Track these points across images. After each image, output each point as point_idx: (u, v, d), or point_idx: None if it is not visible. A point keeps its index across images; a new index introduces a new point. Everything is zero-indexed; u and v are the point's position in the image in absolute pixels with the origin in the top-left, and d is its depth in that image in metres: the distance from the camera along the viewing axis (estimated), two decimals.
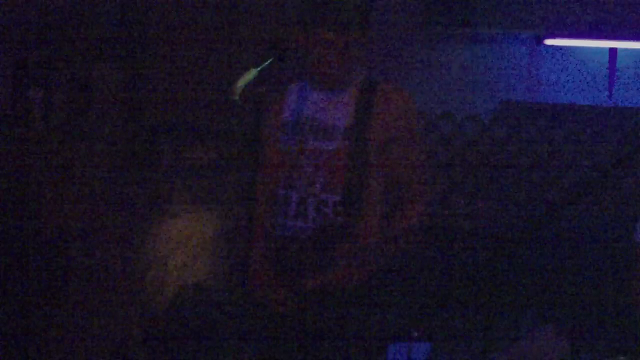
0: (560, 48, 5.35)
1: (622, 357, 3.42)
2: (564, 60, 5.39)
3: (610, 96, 5.34)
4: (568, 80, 5.40)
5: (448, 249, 5.00)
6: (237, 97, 3.09)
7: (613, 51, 5.29)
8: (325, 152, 3.04)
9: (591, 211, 5.03)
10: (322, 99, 3.07)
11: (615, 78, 5.34)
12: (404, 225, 2.99)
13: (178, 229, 5.30)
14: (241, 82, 3.19)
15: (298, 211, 3.04)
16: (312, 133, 3.05)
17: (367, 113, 3.00)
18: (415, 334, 4.66)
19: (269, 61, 2.96)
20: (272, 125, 3.07)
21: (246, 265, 3.20)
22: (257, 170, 3.19)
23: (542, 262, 5.02)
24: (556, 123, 5.31)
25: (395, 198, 3.11)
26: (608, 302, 4.72)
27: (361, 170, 2.99)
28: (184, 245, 5.29)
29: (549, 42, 5.25)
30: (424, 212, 2.99)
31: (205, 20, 5.38)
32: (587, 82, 5.40)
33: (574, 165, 5.26)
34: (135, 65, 5.35)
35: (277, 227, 3.01)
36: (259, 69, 2.99)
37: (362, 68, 3.12)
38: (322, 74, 3.01)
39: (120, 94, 5.27)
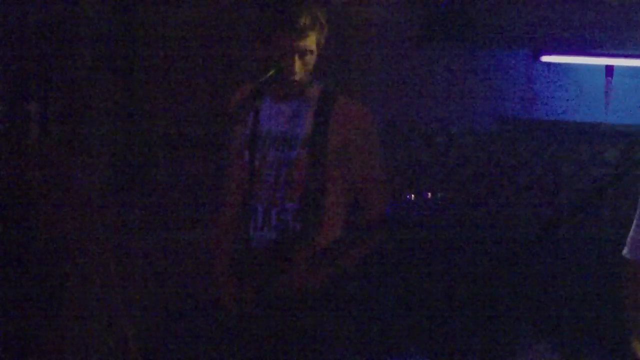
0: (557, 65, 5.35)
1: None
2: (561, 77, 5.40)
3: (606, 113, 5.35)
4: (564, 97, 5.41)
5: (443, 260, 5.01)
6: (233, 110, 3.11)
7: (610, 68, 5.30)
8: (285, 162, 3.10)
9: (587, 228, 5.03)
10: (284, 110, 3.12)
11: (611, 95, 5.34)
12: (360, 231, 3.03)
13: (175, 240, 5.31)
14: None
15: (264, 221, 3.09)
16: (274, 144, 3.11)
17: (325, 123, 3.07)
18: (412, 350, 4.65)
19: (269, 74, 2.99)
20: (237, 137, 3.12)
21: (210, 275, 3.24)
22: (222, 183, 3.23)
23: (537, 277, 5.03)
24: (552, 139, 5.32)
25: (353, 204, 3.17)
26: (602, 318, 4.72)
27: (319, 179, 3.06)
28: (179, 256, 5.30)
29: (545, 58, 5.26)
30: (381, 217, 3.02)
31: (203, 31, 5.40)
32: (583, 99, 5.40)
33: (570, 181, 5.26)
34: (133, 77, 5.37)
35: (244, 239, 3.04)
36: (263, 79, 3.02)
37: (320, 80, 3.18)
38: (280, 81, 3.04)
39: (118, 105, 5.28)
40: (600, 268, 4.91)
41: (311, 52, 3.09)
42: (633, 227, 3.34)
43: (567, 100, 5.40)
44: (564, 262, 5.08)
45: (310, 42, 3.07)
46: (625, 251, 3.35)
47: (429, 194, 2.96)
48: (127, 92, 5.34)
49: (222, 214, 3.34)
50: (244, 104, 3.17)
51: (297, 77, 3.10)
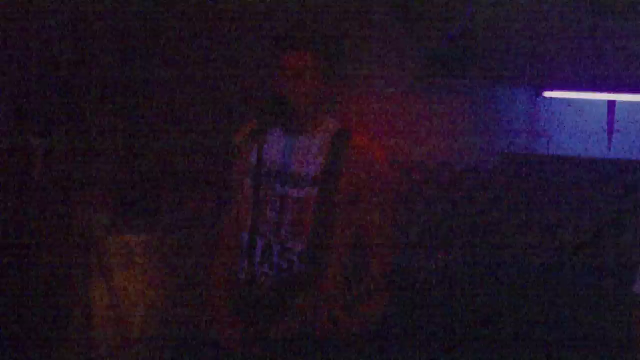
0: (559, 100, 5.37)
1: None
2: (563, 112, 5.41)
3: (609, 148, 5.35)
4: (567, 132, 5.42)
5: (445, 301, 4.98)
6: (237, 144, 3.07)
7: (612, 103, 5.32)
8: (292, 199, 2.99)
9: (591, 263, 5.01)
10: (293, 145, 3.03)
11: (614, 130, 5.35)
12: (368, 278, 2.93)
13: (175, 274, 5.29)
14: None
15: (263, 257, 3.00)
16: (280, 178, 3.01)
17: (338, 163, 2.96)
18: None
19: (268, 100, 2.93)
20: (240, 170, 3.03)
21: (206, 309, 3.16)
22: (223, 214, 3.14)
23: (542, 313, 4.99)
24: (555, 174, 5.32)
25: (361, 250, 3.05)
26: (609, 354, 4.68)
27: (328, 220, 2.94)
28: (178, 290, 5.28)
29: (548, 94, 5.27)
30: (389, 266, 2.94)
31: (205, 67, 5.42)
32: (586, 134, 5.41)
33: (573, 216, 5.25)
34: (135, 112, 5.38)
35: (241, 271, 2.97)
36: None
37: (335, 117, 3.10)
38: (283, 110, 2.96)
39: (120, 141, 5.29)
40: (605, 304, 4.89)
41: (306, 72, 2.98)
42: None
43: (570, 135, 5.41)
44: (570, 298, 5.05)
45: (303, 60, 2.98)
46: (636, 286, 3.30)
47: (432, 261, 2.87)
48: (130, 128, 5.35)
49: (219, 246, 3.26)
50: (248, 137, 3.10)
51: (292, 98, 2.99)
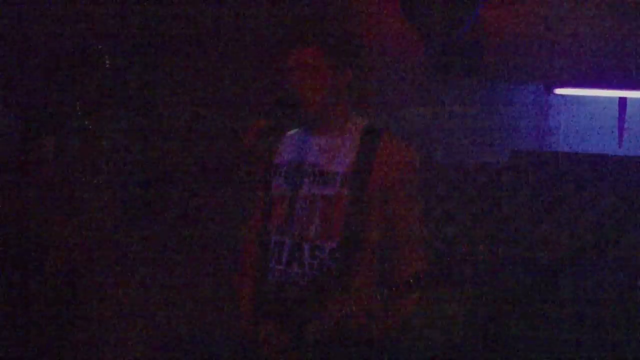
0: (570, 97, 5.35)
1: None
2: (574, 109, 5.39)
3: (620, 145, 5.33)
4: (578, 129, 5.39)
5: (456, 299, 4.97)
6: (250, 145, 3.06)
7: (623, 100, 5.29)
8: (321, 198, 3.00)
9: (601, 263, 5.00)
10: (320, 143, 3.03)
11: (624, 127, 5.33)
12: (402, 275, 2.94)
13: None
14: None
15: (291, 256, 3.01)
16: (308, 178, 3.02)
17: (369, 161, 2.96)
18: None
19: (278, 98, 2.93)
20: (267, 169, 3.03)
21: (236, 310, 3.16)
22: (248, 214, 3.15)
23: (550, 313, 4.98)
24: (566, 172, 5.30)
25: (392, 248, 3.06)
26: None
27: (360, 218, 2.96)
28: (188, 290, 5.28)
29: (558, 91, 5.25)
30: (421, 264, 2.95)
31: (216, 61, 5.41)
32: (596, 131, 5.39)
33: (584, 213, 5.23)
34: (145, 111, 5.38)
35: (270, 272, 2.98)
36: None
37: (363, 115, 3.09)
38: (300, 98, 2.96)
39: (130, 140, 5.29)
40: (618, 304, 4.87)
41: (313, 67, 2.99)
42: None
43: (581, 132, 5.38)
44: (581, 296, 5.04)
45: (310, 55, 2.98)
46: None
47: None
48: (140, 124, 5.35)
49: (246, 248, 3.25)
50: (262, 137, 3.10)
51: (303, 95, 2.99)
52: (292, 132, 3.14)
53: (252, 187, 3.25)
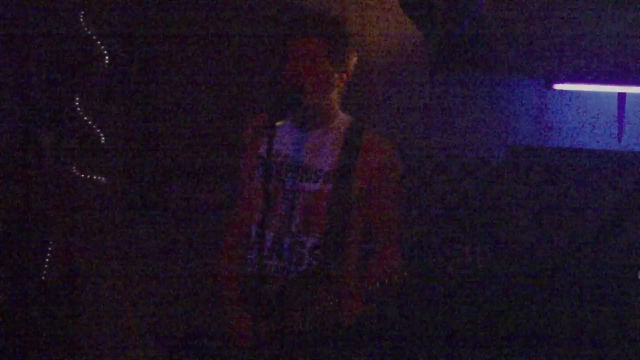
0: (570, 92, 5.35)
1: None
2: (573, 105, 5.39)
3: (619, 140, 5.33)
4: (577, 125, 5.40)
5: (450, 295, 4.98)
6: (246, 138, 3.07)
7: (622, 96, 5.29)
8: (303, 193, 3.01)
9: (602, 258, 5.00)
10: (306, 139, 3.04)
11: (624, 123, 5.33)
12: (381, 270, 2.96)
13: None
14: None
15: (272, 250, 3.02)
16: (292, 172, 3.03)
17: (353, 158, 2.98)
18: None
19: (278, 91, 2.93)
20: (250, 162, 3.04)
21: (219, 302, 3.17)
22: (231, 206, 3.16)
23: (549, 309, 4.99)
24: (565, 167, 5.31)
25: (372, 243, 3.09)
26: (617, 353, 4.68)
27: (342, 215, 2.97)
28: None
29: (558, 86, 5.25)
30: (398, 260, 2.97)
31: (216, 58, 5.41)
32: (596, 127, 5.39)
33: (583, 210, 5.24)
34: (145, 105, 5.38)
35: (250, 264, 2.99)
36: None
37: (347, 112, 3.11)
38: (295, 102, 2.96)
39: (130, 133, 5.29)
40: (617, 299, 4.88)
41: (315, 58, 2.99)
42: None
43: (580, 127, 5.38)
44: (580, 292, 5.04)
45: (312, 45, 2.99)
46: None
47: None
48: (139, 120, 5.35)
49: (227, 239, 3.27)
50: (258, 131, 3.12)
51: (303, 87, 2.98)
52: (279, 123, 3.13)
53: (242, 179, 3.25)
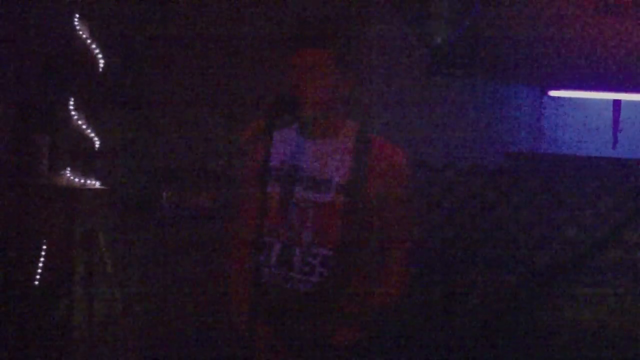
0: (565, 99, 5.36)
1: None
2: (568, 111, 5.40)
3: (614, 147, 5.34)
4: (572, 131, 5.41)
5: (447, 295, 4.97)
6: (244, 144, 3.04)
7: (617, 103, 5.31)
8: (315, 204, 2.95)
9: (599, 264, 5.01)
10: (314, 148, 2.99)
11: (619, 129, 5.34)
12: (393, 279, 2.94)
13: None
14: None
15: (280, 259, 2.97)
16: (302, 183, 2.97)
17: (364, 168, 2.93)
18: None
19: (277, 99, 2.88)
20: (257, 170, 2.98)
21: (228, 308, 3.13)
22: (237, 214, 3.10)
23: (546, 316, 4.99)
24: (560, 174, 5.31)
25: (383, 253, 3.04)
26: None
27: (356, 226, 2.92)
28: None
29: (553, 93, 5.26)
30: (407, 277, 2.94)
31: (211, 64, 5.40)
32: (591, 133, 5.40)
33: (578, 216, 5.24)
34: (140, 109, 5.37)
35: (258, 272, 2.94)
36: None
37: (356, 121, 3.06)
38: (303, 97, 2.91)
39: (126, 138, 5.27)
40: (616, 306, 4.88)
41: (320, 68, 2.93)
42: None
43: (575, 134, 5.40)
44: (574, 298, 5.05)
45: (317, 56, 2.93)
46: None
47: None
48: (135, 125, 5.34)
49: (233, 248, 3.22)
50: (256, 137, 3.06)
51: (306, 96, 2.93)
52: (283, 131, 3.08)
53: (245, 186, 3.22)
